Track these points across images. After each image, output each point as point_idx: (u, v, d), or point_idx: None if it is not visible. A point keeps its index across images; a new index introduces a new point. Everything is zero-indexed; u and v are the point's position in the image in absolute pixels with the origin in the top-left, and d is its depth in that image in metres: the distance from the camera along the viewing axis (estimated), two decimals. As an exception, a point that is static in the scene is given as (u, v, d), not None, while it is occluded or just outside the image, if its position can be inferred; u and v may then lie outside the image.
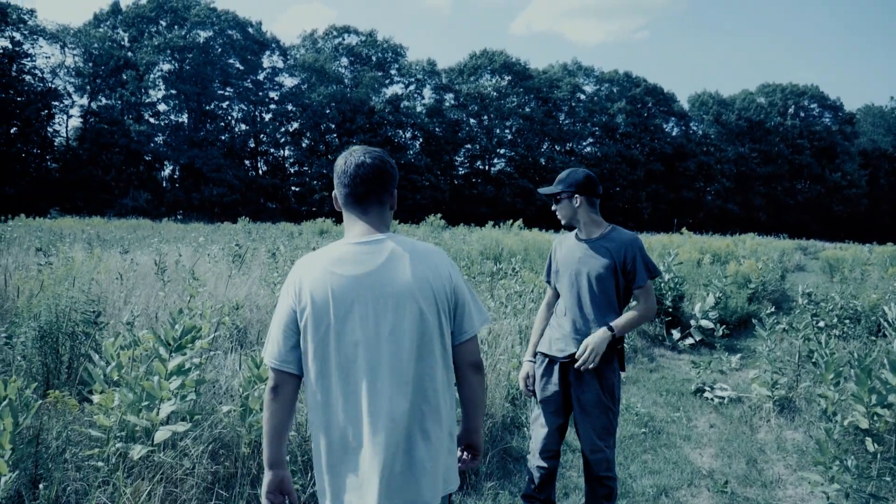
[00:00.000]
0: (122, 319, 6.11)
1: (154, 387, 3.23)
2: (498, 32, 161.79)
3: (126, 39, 60.37)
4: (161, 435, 3.23)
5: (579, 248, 3.56)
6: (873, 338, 8.11)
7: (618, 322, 3.37)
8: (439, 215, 27.24)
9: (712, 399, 6.69)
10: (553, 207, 3.61)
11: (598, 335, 3.34)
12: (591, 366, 3.31)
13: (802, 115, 78.69)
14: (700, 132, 77.27)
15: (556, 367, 3.53)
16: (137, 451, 3.13)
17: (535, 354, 3.70)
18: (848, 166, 75.08)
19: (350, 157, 2.16)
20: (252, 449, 3.41)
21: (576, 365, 3.35)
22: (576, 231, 3.64)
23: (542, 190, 3.69)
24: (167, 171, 61.25)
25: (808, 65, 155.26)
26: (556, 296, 3.71)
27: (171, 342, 3.34)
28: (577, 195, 3.56)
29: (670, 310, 10.32)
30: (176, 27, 61.25)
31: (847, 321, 8.38)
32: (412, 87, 70.95)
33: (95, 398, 3.34)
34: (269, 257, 12.44)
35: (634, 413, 5.96)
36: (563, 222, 3.61)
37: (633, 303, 3.59)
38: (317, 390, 2.01)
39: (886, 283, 12.62)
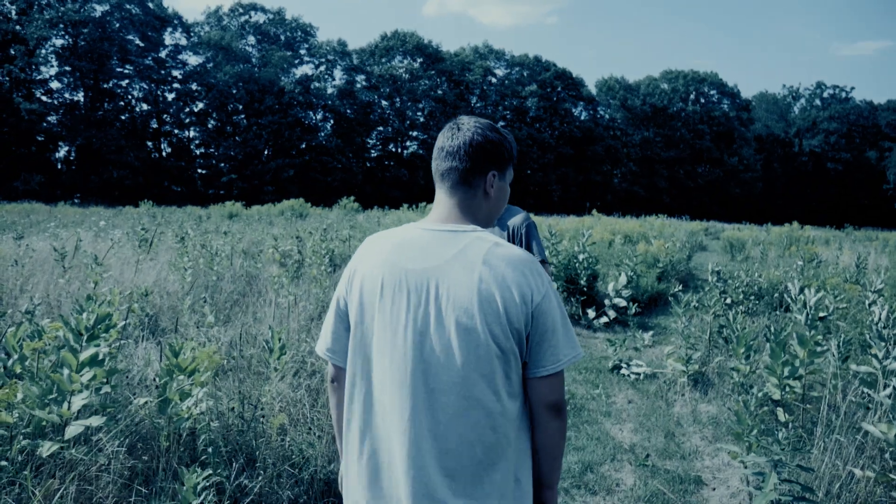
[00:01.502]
0: (21, 308, 5.70)
1: (64, 379, 2.98)
2: (411, 14, 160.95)
3: (13, 12, 56.57)
4: (73, 430, 2.99)
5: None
6: (776, 312, 8.49)
7: None
8: (353, 198, 26.93)
9: (629, 375, 6.83)
10: None
11: None
12: None
13: (703, 101, 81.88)
14: (607, 117, 79.28)
15: None
16: (47, 448, 2.88)
17: None
18: (745, 151, 78.76)
19: (449, 127, 1.84)
20: (172, 442, 3.20)
21: None
22: None
23: None
24: (62, 153, 58.07)
25: (708, 52, 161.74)
26: None
27: (84, 331, 3.09)
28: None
29: (585, 289, 10.50)
30: (69, 0, 57.87)
31: (752, 297, 8.73)
32: (323, 68, 69.67)
33: (-9, 393, 3.07)
34: (177, 241, 11.95)
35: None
36: None
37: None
38: (351, 397, 1.75)
39: (785, 261, 13.27)
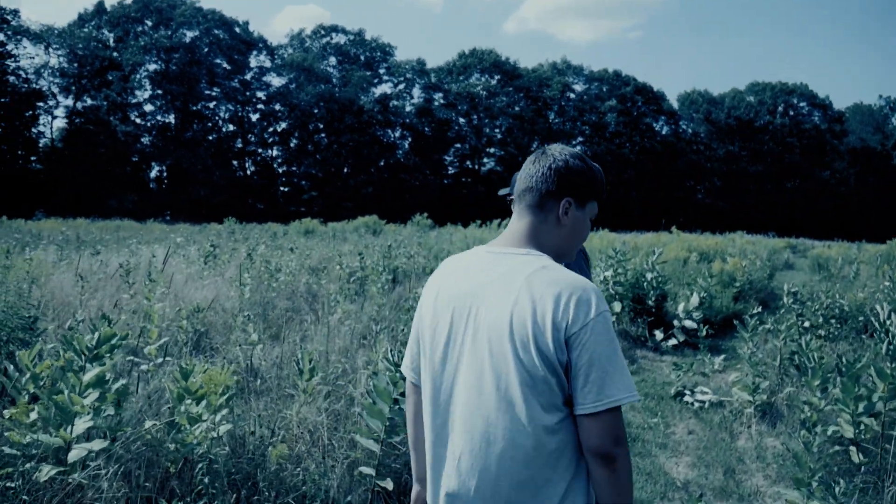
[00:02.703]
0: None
1: (66, 400, 2.93)
2: (490, 32, 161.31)
3: (111, 40, 59.89)
4: (75, 454, 2.93)
5: None
6: (862, 337, 7.87)
7: None
8: (425, 214, 27.01)
9: (692, 403, 6.42)
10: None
11: None
12: None
13: (792, 113, 78.71)
14: (690, 131, 77.25)
15: None
16: (45, 473, 2.83)
17: None
18: (837, 164, 75.16)
19: (536, 152, 1.80)
20: (179, 468, 3.11)
21: None
22: None
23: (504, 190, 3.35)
24: (154, 172, 60.80)
25: (798, 63, 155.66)
26: None
27: (86, 351, 3.04)
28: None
29: (653, 310, 10.07)
30: (161, 27, 60.78)
31: (833, 321, 8.13)
32: (401, 87, 70.71)
33: (7, 412, 3.05)
34: (245, 258, 12.14)
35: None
36: None
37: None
38: (424, 417, 1.77)
39: (876, 281, 12.41)
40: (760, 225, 63.04)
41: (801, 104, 79.10)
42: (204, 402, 3.16)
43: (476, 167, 70.72)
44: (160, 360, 4.79)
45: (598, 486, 1.55)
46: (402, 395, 3.31)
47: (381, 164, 65.60)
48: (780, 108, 78.46)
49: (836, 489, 2.81)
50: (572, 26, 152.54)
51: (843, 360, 4.27)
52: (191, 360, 3.62)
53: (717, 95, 77.95)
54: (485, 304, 1.60)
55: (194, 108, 61.26)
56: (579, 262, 3.25)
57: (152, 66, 60.03)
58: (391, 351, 3.66)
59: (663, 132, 75.56)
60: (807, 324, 7.63)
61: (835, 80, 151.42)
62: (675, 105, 77.26)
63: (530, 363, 1.51)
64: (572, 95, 73.45)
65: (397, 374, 3.24)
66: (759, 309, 12.20)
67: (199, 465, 2.92)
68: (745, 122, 75.54)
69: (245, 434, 3.47)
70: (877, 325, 6.14)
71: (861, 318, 8.40)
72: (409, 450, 1.93)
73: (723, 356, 8.36)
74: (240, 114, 63.86)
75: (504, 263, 1.64)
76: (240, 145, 64.15)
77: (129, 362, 4.87)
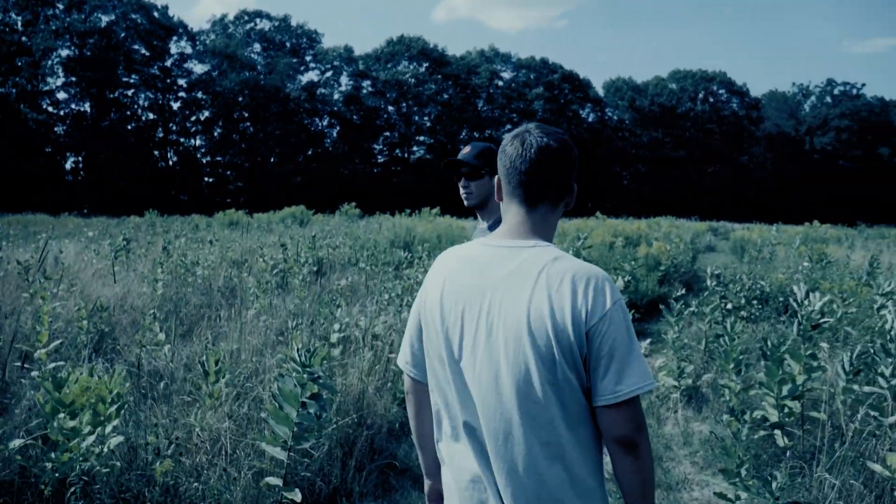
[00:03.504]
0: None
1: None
2: (419, 20, 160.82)
3: (19, 23, 56.75)
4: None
5: (481, 234, 3.08)
6: (782, 318, 8.00)
7: None
8: (353, 203, 26.56)
9: (620, 390, 6.37)
10: (462, 184, 3.02)
11: None
12: None
13: (711, 100, 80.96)
14: (615, 118, 78.64)
15: None
16: None
17: None
18: (755, 150, 77.84)
19: (519, 136, 1.71)
20: (54, 491, 2.78)
21: None
22: (479, 220, 3.16)
23: (462, 156, 3.09)
24: (69, 163, 58.11)
25: (717, 52, 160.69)
26: None
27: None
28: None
29: (581, 295, 10.04)
30: (74, 10, 57.93)
31: (755, 302, 8.23)
32: (329, 74, 69.50)
33: None
34: (162, 251, 11.57)
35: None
36: (472, 203, 3.03)
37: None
38: (430, 411, 1.78)
39: (795, 262, 12.74)
40: (683, 209, 64.78)
41: (721, 91, 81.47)
42: (87, 414, 2.84)
43: (406, 155, 70.28)
44: (52, 365, 4.39)
45: (624, 473, 1.53)
46: (312, 397, 3.06)
47: (309, 153, 64.48)
48: (700, 95, 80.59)
49: (774, 484, 2.70)
50: (501, 14, 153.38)
51: (768, 343, 4.21)
52: (85, 365, 3.28)
53: (640, 83, 79.52)
54: (498, 301, 1.57)
55: (111, 95, 58.68)
56: None
57: (65, 52, 57.23)
58: (309, 346, 3.40)
59: (590, 119, 76.68)
60: (729, 306, 7.69)
61: (751, 67, 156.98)
62: (601, 93, 78.47)
63: (550, 360, 1.49)
64: (500, 83, 73.71)
65: (305, 376, 2.99)
66: (684, 291, 12.35)
67: (72, 488, 2.61)
68: (667, 109, 77.34)
69: (140, 446, 3.16)
70: (795, 305, 6.21)
71: (781, 299, 8.54)
72: (416, 447, 1.91)
73: (649, 340, 8.39)
74: (160, 102, 61.58)
75: (515, 258, 1.60)
76: (161, 135, 61.91)
77: (17, 368, 4.46)
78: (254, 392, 4.04)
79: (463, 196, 3.02)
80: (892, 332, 4.63)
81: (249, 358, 4.83)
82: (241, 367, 4.57)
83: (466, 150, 3.03)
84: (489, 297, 1.57)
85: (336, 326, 5.68)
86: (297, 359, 2.99)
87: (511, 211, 1.68)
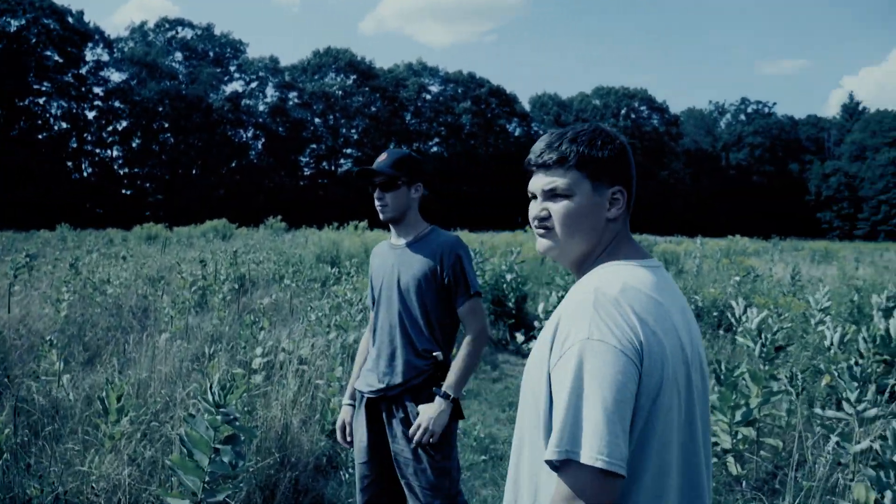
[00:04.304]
0: None
1: None
2: (347, 31, 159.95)
3: (-81, 26, 53.55)
4: None
5: (393, 254, 2.77)
6: (718, 332, 7.97)
7: (452, 380, 2.60)
8: (279, 217, 25.90)
9: (558, 411, 6.15)
10: (376, 195, 2.70)
11: (434, 408, 2.56)
12: (430, 440, 2.55)
13: (633, 116, 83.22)
14: (541, 132, 79.71)
15: (363, 407, 2.76)
16: None
17: (354, 395, 2.89)
18: (675, 165, 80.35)
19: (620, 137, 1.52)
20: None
21: (412, 441, 2.57)
22: (392, 235, 2.84)
23: (377, 164, 2.72)
24: (-25, 174, 54.88)
25: (638, 69, 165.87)
26: None
27: None
28: (418, 183, 2.74)
29: (514, 311, 9.85)
30: (-19, 14, 55.02)
31: (689, 317, 8.18)
32: (254, 85, 68.18)
33: None
34: (69, 269, 10.81)
35: (473, 437, 5.25)
36: (388, 217, 2.72)
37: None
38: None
39: (720, 274, 12.91)
40: (608, 222, 65.96)
41: (642, 108, 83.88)
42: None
43: (333, 168, 69.44)
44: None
45: None
46: (228, 440, 2.68)
47: (233, 165, 62.95)
48: (623, 112, 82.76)
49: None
50: (430, 28, 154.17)
51: (722, 366, 4.03)
52: None
53: (565, 99, 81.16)
54: (693, 333, 1.46)
55: (21, 103, 55.87)
56: (464, 262, 2.73)
57: (-30, 58, 54.19)
58: (225, 379, 3.02)
59: (516, 133, 77.66)
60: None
61: (671, 85, 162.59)
62: (528, 107, 79.66)
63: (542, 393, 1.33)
64: (428, 96, 73.88)
65: (219, 418, 2.61)
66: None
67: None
68: (591, 125, 79.08)
69: (20, 500, 2.71)
70: (733, 320, 6.13)
71: (715, 314, 8.54)
72: None
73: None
74: (74, 111, 59.01)
75: (667, 279, 1.48)
76: (75, 145, 59.29)
77: None
78: (162, 431, 3.61)
79: (378, 209, 2.70)
80: (833, 350, 4.54)
81: (159, 389, 4.37)
82: (149, 400, 4.12)
83: (382, 157, 2.73)
84: (691, 340, 1.39)
85: (258, 351, 5.26)
86: (210, 399, 2.61)
87: (627, 226, 1.53)
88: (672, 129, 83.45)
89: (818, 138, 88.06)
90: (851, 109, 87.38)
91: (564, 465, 1.21)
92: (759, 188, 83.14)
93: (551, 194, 1.44)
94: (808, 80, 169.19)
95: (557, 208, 1.43)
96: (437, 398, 2.59)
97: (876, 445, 3.53)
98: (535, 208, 1.48)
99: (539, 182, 1.46)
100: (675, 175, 79.63)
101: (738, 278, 9.79)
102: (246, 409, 3.90)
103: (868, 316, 6.96)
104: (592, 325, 1.25)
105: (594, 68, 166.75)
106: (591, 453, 1.17)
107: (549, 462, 1.24)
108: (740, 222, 76.82)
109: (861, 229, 72.95)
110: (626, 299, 1.30)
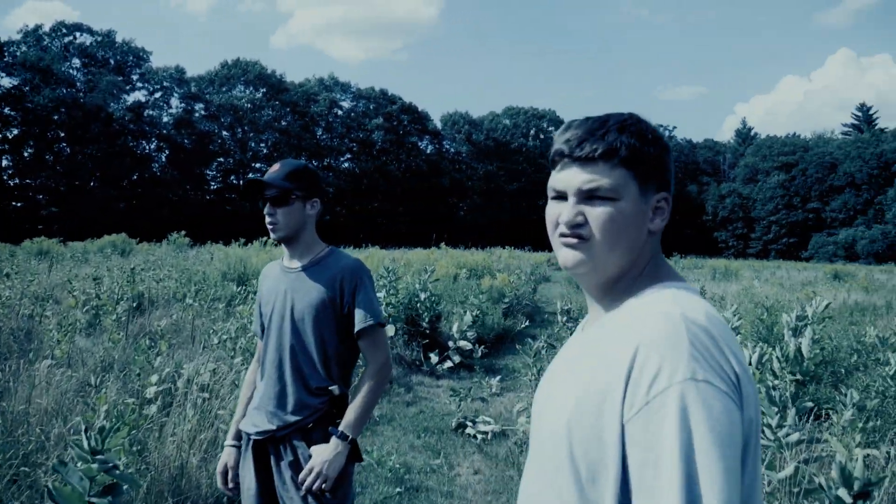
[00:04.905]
0: None
1: None
2: (257, 44, 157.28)
3: None
4: None
5: (286, 278, 2.44)
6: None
7: (350, 418, 2.32)
8: (183, 232, 24.85)
9: (475, 436, 5.94)
10: (267, 211, 2.35)
11: (329, 450, 2.27)
12: (324, 487, 2.25)
13: (542, 136, 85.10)
14: (453, 150, 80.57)
15: (250, 449, 2.42)
16: None
17: (238, 436, 2.55)
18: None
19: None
20: None
21: (302, 487, 2.27)
22: (284, 256, 2.51)
23: (269, 176, 2.37)
24: None
25: (547, 91, 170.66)
26: None
27: None
28: (315, 198, 2.43)
29: (427, 331, 9.62)
30: None
31: (603, 337, 8.16)
32: (158, 95, 65.70)
33: None
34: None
35: (388, 468, 4.96)
36: (280, 236, 2.38)
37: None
38: None
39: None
40: (517, 240, 67.05)
41: (551, 129, 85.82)
42: None
43: (241, 182, 67.45)
44: None
45: None
46: (105, 491, 2.31)
47: (135, 177, 60.41)
48: (532, 132, 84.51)
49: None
50: (342, 44, 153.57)
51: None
52: None
53: (476, 118, 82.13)
54: None
55: None
56: (365, 286, 2.44)
57: None
58: (105, 420, 2.64)
59: (428, 151, 78.04)
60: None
61: (579, 107, 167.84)
62: (439, 125, 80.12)
63: None
64: (340, 112, 73.26)
65: (95, 466, 2.25)
66: (528, 323, 12.37)
67: None
68: (501, 144, 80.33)
69: None
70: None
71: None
72: None
73: (499, 377, 8.07)
74: (-42, 117, 55.31)
75: None
76: (-41, 153, 55.52)
77: None
78: (34, 476, 3.17)
79: (268, 226, 2.37)
80: (752, 370, 4.49)
81: (36, 425, 3.89)
82: (22, 439, 3.64)
83: (275, 168, 2.39)
84: None
85: (154, 378, 4.82)
86: (84, 445, 2.24)
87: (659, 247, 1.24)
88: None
89: (714, 161, 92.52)
90: (744, 135, 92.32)
91: None
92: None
93: (590, 196, 1.14)
94: (704, 105, 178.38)
95: (598, 214, 1.13)
96: (334, 439, 2.30)
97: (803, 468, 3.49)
98: (566, 211, 1.17)
99: (575, 179, 1.16)
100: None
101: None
102: (135, 447, 3.49)
103: (779, 335, 7.10)
104: (693, 362, 0.97)
105: (504, 89, 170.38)
106: None
107: None
108: (644, 241, 79.42)
109: (753, 248, 76.75)
110: (716, 330, 1.03)
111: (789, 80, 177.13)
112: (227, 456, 2.51)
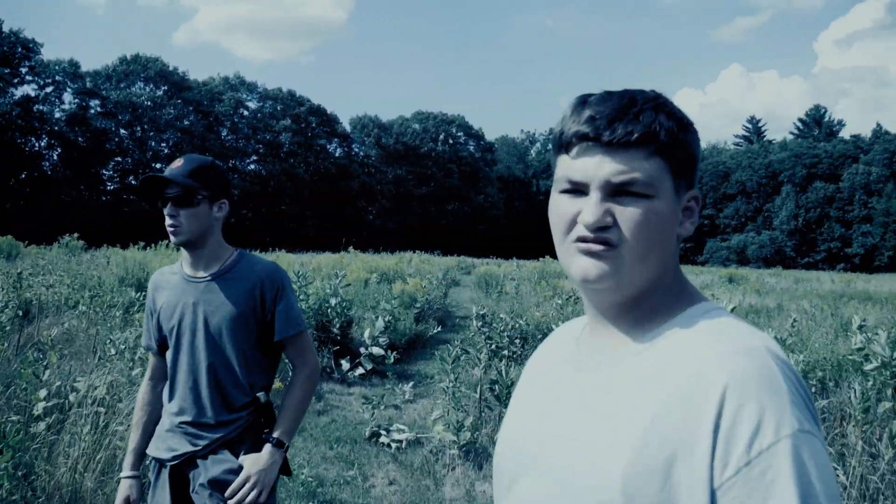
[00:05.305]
0: None
1: None
2: (158, 40, 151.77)
3: None
4: None
5: (192, 289, 2.20)
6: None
7: (286, 425, 2.17)
8: (76, 235, 23.54)
9: (389, 445, 5.79)
10: (168, 212, 2.11)
11: (264, 458, 2.10)
12: (259, 500, 2.06)
13: (451, 142, 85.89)
14: (362, 153, 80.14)
15: (166, 475, 2.20)
16: None
17: (138, 465, 2.31)
18: (489, 190, 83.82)
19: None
20: None
21: (231, 501, 2.06)
22: (182, 261, 2.27)
23: (171, 172, 2.10)
24: None
25: (456, 97, 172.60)
26: (164, 367, 2.33)
27: None
28: (223, 200, 2.21)
29: (339, 337, 9.39)
30: None
31: (517, 341, 8.19)
32: (49, 90, 62.20)
33: None
34: None
35: (300, 482, 4.74)
36: (183, 240, 2.13)
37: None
38: None
39: (539, 297, 13.25)
40: (427, 244, 67.23)
41: (459, 134, 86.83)
42: None
43: (138, 180, 65.06)
44: None
45: None
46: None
47: (23, 176, 57.03)
48: (441, 137, 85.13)
49: None
50: (247, 43, 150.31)
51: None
52: None
53: (386, 121, 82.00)
54: None
55: None
56: (287, 293, 2.26)
57: None
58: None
59: (337, 154, 77.34)
60: (494, 346, 7.52)
61: (486, 114, 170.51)
62: (348, 128, 79.54)
63: None
64: (246, 112, 71.52)
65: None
66: (439, 328, 12.32)
67: None
68: (411, 148, 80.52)
69: None
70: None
71: (541, 337, 8.63)
72: None
73: (412, 383, 7.96)
74: None
75: None
76: None
77: None
78: None
79: (169, 230, 2.12)
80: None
81: None
82: None
83: (177, 164, 2.13)
84: None
85: (42, 393, 4.44)
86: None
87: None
88: (487, 156, 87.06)
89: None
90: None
91: None
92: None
93: (621, 191, 0.90)
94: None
95: (631, 214, 0.90)
96: (268, 446, 2.12)
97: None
98: (590, 209, 0.90)
99: (602, 168, 0.91)
100: (490, 199, 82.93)
101: (560, 301, 10.03)
102: (20, 472, 3.17)
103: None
104: (797, 410, 0.80)
105: (414, 94, 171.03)
106: None
107: None
108: (549, 245, 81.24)
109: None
110: (793, 366, 0.87)
111: (685, 93, 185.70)
112: (127, 489, 2.26)
